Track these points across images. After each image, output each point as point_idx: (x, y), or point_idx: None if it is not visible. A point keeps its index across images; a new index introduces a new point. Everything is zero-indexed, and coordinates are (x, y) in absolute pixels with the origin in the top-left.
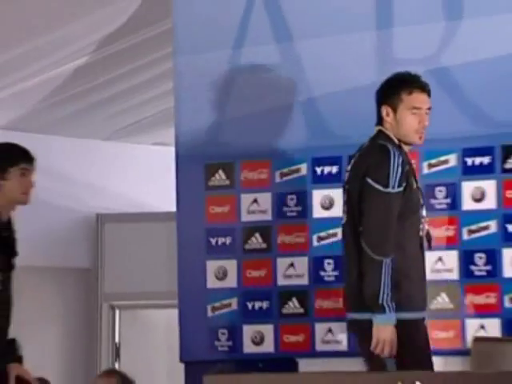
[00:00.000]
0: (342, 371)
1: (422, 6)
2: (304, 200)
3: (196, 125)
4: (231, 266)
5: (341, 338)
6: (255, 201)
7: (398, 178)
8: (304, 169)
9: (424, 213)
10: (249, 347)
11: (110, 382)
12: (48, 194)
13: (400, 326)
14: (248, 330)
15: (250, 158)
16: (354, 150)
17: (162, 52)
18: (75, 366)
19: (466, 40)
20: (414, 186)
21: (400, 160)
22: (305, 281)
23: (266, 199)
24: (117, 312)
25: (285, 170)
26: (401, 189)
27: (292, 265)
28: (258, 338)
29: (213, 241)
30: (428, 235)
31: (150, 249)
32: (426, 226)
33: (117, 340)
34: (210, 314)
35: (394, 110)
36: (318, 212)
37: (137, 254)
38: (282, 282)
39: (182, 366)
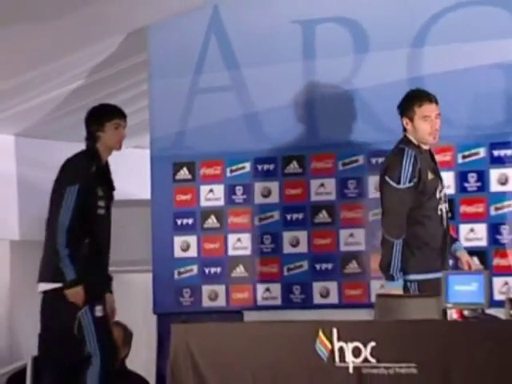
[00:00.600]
0: (276, 320)
1: (337, 43)
2: (248, 190)
3: (166, 133)
4: (193, 240)
5: (276, 295)
6: (211, 191)
7: (408, 176)
8: (248, 166)
9: (443, 195)
10: (206, 302)
11: (114, 332)
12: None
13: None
14: (205, 290)
15: (207, 158)
16: (287, 152)
17: (139, 77)
18: None
19: (370, 68)
20: (430, 177)
21: (412, 160)
22: (248, 251)
23: (219, 190)
24: None
25: (233, 167)
26: (411, 184)
27: (239, 239)
28: (213, 295)
29: (179, 221)
30: (448, 212)
31: (131, 227)
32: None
33: None
34: (176, 277)
35: (411, 120)
36: (258, 199)
37: (120, 231)
38: (231, 252)
39: (154, 318)
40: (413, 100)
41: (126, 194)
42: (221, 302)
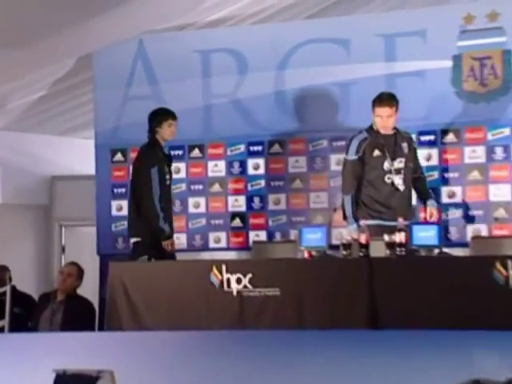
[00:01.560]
0: (183, 259)
1: (225, 66)
2: None
3: (106, 128)
4: (124, 204)
5: (183, 241)
6: None
7: (353, 150)
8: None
9: (394, 168)
10: None
11: (72, 269)
12: (27, 164)
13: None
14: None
15: (135, 146)
16: (192, 142)
17: (87, 88)
18: (40, 258)
19: (249, 84)
20: (375, 154)
21: (360, 140)
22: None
23: None
24: (63, 228)
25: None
26: (355, 157)
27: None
28: None
29: (115, 190)
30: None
31: (82, 194)
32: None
33: (63, 243)
34: (113, 229)
35: (374, 114)
36: (173, 175)
37: (74, 197)
38: None
39: (98, 258)
40: (374, 102)
41: (78, 171)
42: None
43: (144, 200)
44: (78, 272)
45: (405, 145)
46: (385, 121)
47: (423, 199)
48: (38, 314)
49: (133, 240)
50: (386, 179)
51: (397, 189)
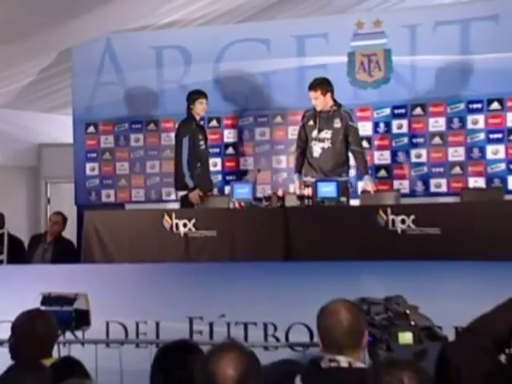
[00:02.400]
0: (142, 208)
1: (174, 59)
2: (127, 138)
3: (81, 106)
4: (96, 166)
5: (141, 194)
6: (106, 139)
7: (300, 121)
8: (127, 125)
9: (318, 137)
10: (104, 199)
11: (58, 217)
12: (20, 134)
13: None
14: (104, 192)
15: (104, 121)
16: (149, 118)
17: (66, 75)
18: (30, 208)
19: (192, 73)
20: (309, 124)
21: (304, 112)
22: (127, 171)
23: (111, 138)
24: (48, 185)
25: (119, 126)
26: (301, 124)
27: (122, 165)
28: (108, 195)
29: (88, 155)
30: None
31: (63, 158)
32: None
33: (48, 196)
34: (87, 185)
35: None
36: (133, 144)
37: (57, 160)
38: (118, 172)
39: (75, 207)
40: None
41: (60, 140)
42: (112, 199)
43: (175, 161)
44: (63, 220)
45: (337, 120)
46: (313, 101)
47: (361, 173)
48: (32, 251)
49: (180, 193)
50: (312, 144)
51: (311, 154)
